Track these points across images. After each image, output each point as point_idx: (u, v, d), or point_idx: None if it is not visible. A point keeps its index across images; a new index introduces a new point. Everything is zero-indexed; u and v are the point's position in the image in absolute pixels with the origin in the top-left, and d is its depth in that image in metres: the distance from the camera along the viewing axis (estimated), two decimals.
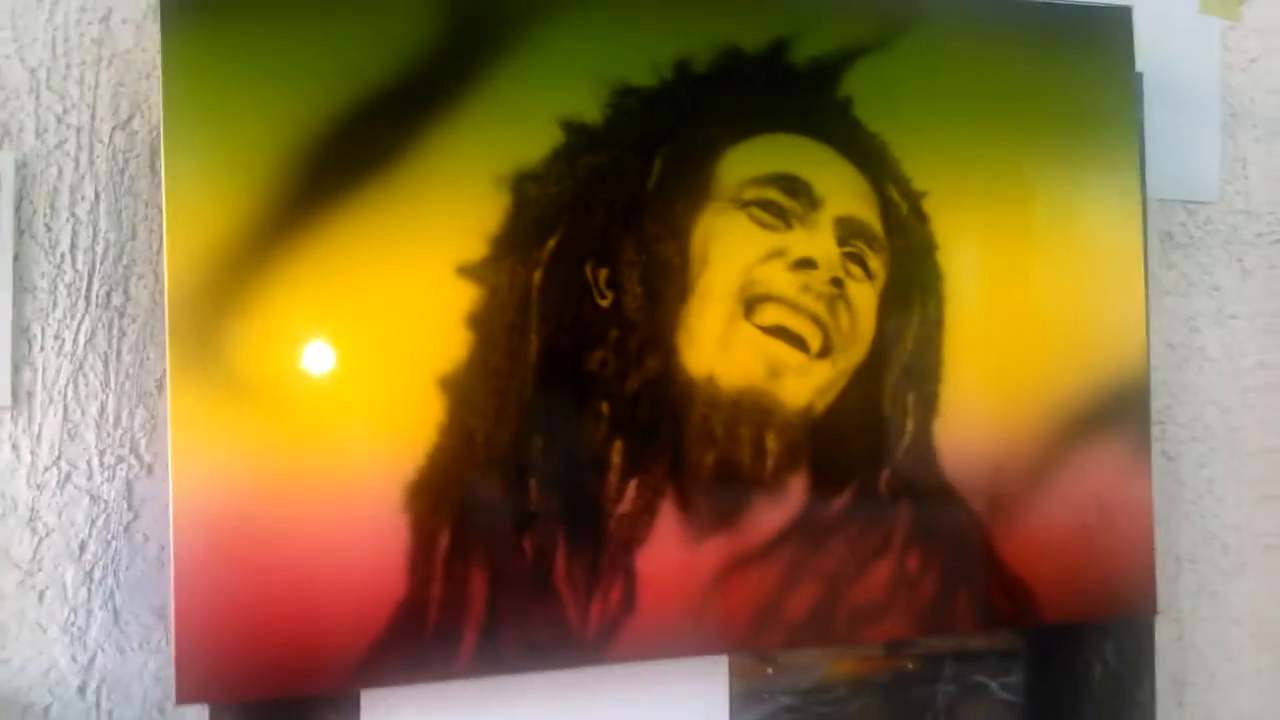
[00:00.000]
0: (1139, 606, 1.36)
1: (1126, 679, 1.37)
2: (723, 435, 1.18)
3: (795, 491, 1.21)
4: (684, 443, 1.17)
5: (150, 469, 1.16)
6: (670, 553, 1.17)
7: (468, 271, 1.12)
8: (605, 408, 1.15)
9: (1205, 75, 1.51)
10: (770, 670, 1.28)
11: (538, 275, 1.14)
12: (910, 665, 1.32)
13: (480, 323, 1.12)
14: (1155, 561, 1.35)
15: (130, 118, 1.16)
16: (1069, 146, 1.33)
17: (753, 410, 1.19)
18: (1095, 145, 1.34)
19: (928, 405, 1.26)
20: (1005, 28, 1.32)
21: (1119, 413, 1.33)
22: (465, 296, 1.12)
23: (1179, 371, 1.52)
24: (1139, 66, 1.37)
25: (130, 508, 1.15)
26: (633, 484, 1.16)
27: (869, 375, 1.24)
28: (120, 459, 1.15)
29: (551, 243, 1.14)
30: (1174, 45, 1.47)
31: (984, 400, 1.29)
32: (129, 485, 1.15)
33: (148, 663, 1.15)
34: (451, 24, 1.13)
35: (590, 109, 1.17)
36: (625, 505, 1.16)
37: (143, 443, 1.16)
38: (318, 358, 1.08)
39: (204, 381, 1.05)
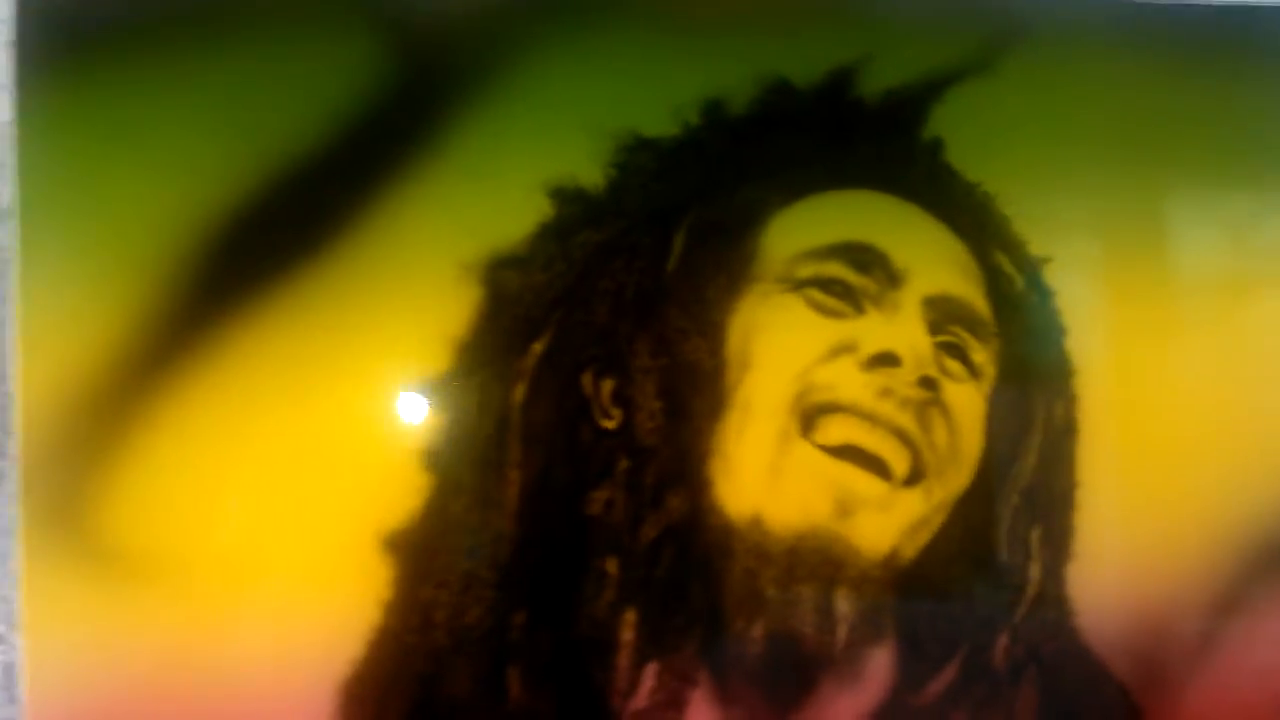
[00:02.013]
0: None
1: None
2: (775, 597, 0.98)
3: (878, 671, 1.00)
4: (722, 610, 0.98)
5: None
6: None
7: (423, 391, 0.95)
8: (612, 566, 0.96)
9: None
10: None
11: (519, 391, 0.96)
12: None
13: (440, 459, 0.95)
14: None
15: None
16: (1240, 191, 1.10)
17: (816, 561, 0.99)
18: (1274, 190, 1.10)
19: (1058, 544, 1.04)
20: (1142, 38, 1.09)
21: None
22: (420, 425, 0.95)
23: None
24: None
25: None
26: (651, 670, 0.96)
27: (976, 507, 1.02)
28: None
29: (538, 347, 0.97)
30: None
31: (1134, 535, 1.05)
32: None
33: None
34: (403, 70, 0.97)
35: (588, 170, 0.99)
36: (641, 700, 0.96)
37: None
38: (217, 515, 0.93)
39: (66, 548, 0.91)
